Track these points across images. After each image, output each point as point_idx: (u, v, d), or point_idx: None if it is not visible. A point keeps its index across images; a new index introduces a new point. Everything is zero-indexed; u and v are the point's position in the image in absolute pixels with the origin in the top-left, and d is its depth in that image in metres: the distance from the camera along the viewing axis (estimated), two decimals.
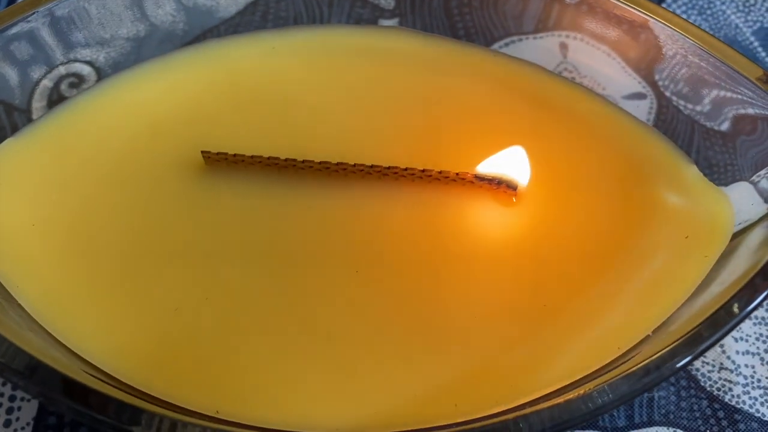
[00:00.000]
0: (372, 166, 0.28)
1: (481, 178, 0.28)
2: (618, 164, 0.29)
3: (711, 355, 0.29)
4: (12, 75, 0.30)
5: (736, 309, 0.22)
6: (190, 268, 0.27)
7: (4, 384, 0.27)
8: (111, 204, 0.28)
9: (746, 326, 0.30)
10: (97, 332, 0.25)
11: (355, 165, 0.28)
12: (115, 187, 0.28)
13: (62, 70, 0.31)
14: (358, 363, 0.25)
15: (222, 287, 0.26)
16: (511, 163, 0.28)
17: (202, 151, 0.28)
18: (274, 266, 0.27)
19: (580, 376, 0.24)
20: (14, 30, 0.29)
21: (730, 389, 0.28)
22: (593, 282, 0.27)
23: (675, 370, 0.22)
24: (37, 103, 0.31)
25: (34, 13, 0.29)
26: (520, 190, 0.28)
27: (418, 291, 0.26)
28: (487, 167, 0.28)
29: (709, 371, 0.29)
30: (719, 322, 0.22)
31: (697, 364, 0.29)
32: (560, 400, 0.21)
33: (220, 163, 0.28)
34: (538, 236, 0.28)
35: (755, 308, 0.22)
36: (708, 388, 0.28)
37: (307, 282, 0.26)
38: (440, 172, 0.28)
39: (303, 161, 0.28)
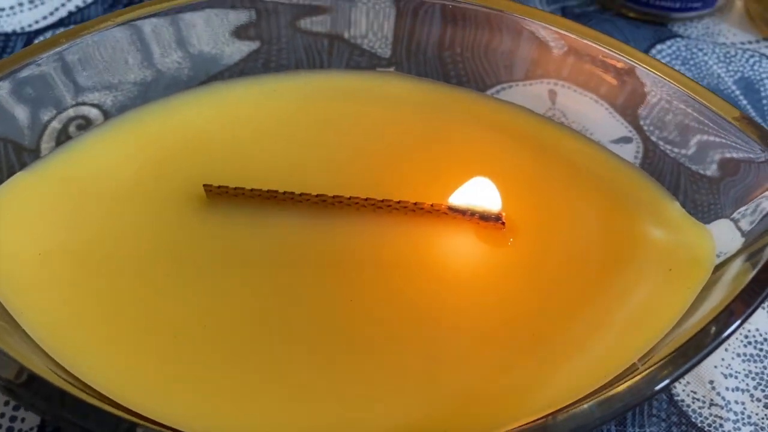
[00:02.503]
0: (366, 199, 0.29)
1: (454, 210, 0.29)
2: (603, 201, 0.31)
3: (701, 391, 0.29)
4: (22, 116, 0.31)
5: (713, 331, 0.23)
6: (190, 297, 0.27)
7: (6, 404, 0.28)
8: (115, 236, 0.29)
9: (736, 363, 0.30)
10: (98, 358, 0.26)
11: (350, 198, 0.29)
12: (120, 219, 0.29)
13: (71, 112, 0.32)
14: (351, 390, 0.26)
15: (221, 313, 0.27)
16: (481, 194, 0.29)
17: (204, 185, 0.29)
18: (272, 294, 0.28)
19: (568, 403, 0.25)
20: (26, 73, 0.30)
21: (721, 425, 0.29)
22: (580, 312, 0.27)
23: (653, 393, 0.22)
24: (46, 144, 0.32)
25: (45, 56, 0.31)
26: (505, 220, 0.29)
27: (410, 319, 0.27)
28: (459, 199, 0.30)
29: (699, 407, 0.29)
30: (698, 345, 0.23)
31: (688, 400, 0.29)
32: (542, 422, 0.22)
33: (222, 196, 0.29)
34: (526, 268, 0.29)
35: (733, 332, 0.23)
36: (699, 424, 0.29)
37: (302, 309, 0.27)
38: (432, 205, 0.29)
39: (300, 194, 0.29)
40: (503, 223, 0.29)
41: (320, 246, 0.29)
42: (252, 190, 0.29)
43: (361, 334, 0.27)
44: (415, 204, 0.29)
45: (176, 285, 0.28)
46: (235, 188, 0.29)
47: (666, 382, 0.22)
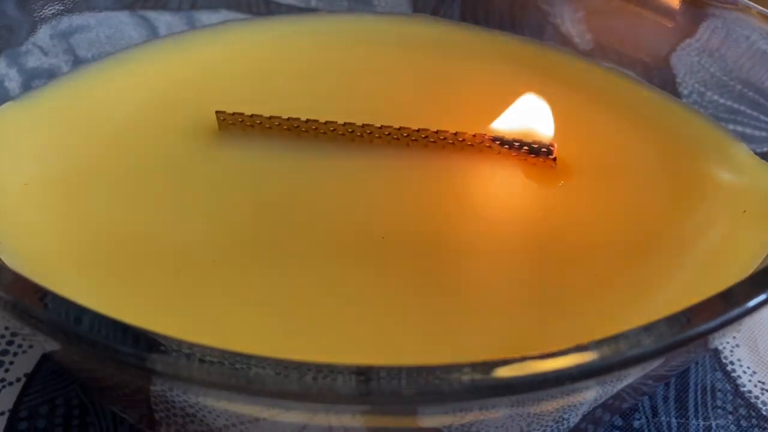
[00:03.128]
0: (400, 128, 0.25)
1: (500, 141, 0.26)
2: (662, 143, 0.27)
3: None
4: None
5: None
6: (196, 234, 0.24)
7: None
8: (113, 168, 0.25)
9: None
10: (91, 294, 0.22)
11: (381, 127, 0.25)
12: (119, 151, 0.26)
13: None
14: (386, 330, 0.22)
15: (231, 253, 0.23)
16: (530, 117, 0.26)
17: (217, 112, 0.26)
18: (291, 233, 0.24)
19: None
20: None
21: None
22: (646, 255, 0.24)
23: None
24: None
25: None
26: (556, 153, 0.26)
27: (453, 263, 0.24)
28: (504, 124, 0.26)
29: None
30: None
31: (756, 391, 0.26)
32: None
33: (236, 126, 0.26)
34: (582, 210, 0.25)
35: None
36: None
37: (330, 249, 0.24)
38: (474, 136, 0.25)
39: (326, 122, 0.26)
40: (554, 159, 0.26)
41: (347, 183, 0.25)
42: (271, 117, 0.26)
43: (396, 273, 0.23)
44: (456, 134, 0.25)
45: (179, 221, 0.24)
46: (252, 115, 0.26)
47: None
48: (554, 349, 0.17)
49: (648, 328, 0.18)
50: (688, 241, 0.25)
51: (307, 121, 0.26)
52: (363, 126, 0.26)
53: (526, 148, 0.26)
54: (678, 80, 0.31)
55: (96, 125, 0.27)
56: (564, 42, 0.33)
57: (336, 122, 0.26)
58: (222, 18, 0.32)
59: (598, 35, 0.32)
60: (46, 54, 0.29)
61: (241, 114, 0.26)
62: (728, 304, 0.18)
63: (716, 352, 0.27)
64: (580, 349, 0.17)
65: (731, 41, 0.30)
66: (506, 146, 0.26)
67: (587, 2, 0.33)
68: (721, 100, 0.30)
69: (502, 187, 0.26)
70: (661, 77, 0.31)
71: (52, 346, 0.20)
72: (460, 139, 0.26)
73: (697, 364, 0.27)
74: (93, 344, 0.17)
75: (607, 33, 0.33)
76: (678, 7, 0.32)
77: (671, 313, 0.18)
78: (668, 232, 0.25)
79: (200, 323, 0.22)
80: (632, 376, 0.19)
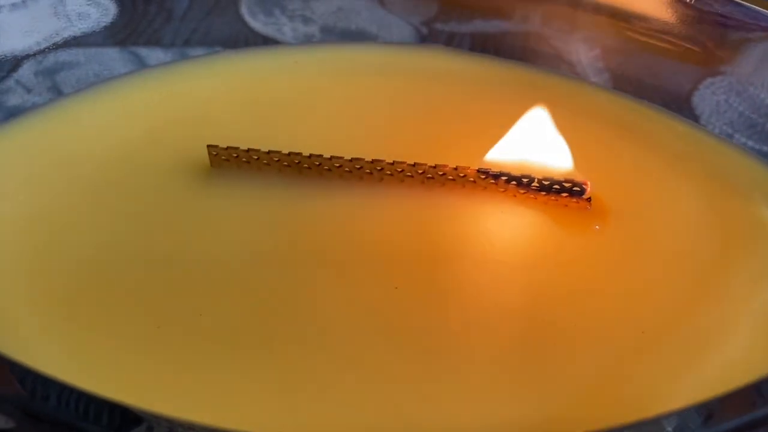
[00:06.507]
0: (414, 165, 0.23)
1: (526, 184, 0.23)
2: (708, 183, 0.25)
3: None
4: None
5: None
6: (178, 281, 0.21)
7: None
8: (91, 208, 0.22)
9: None
10: (65, 352, 0.19)
11: (393, 163, 0.22)
12: (98, 190, 0.23)
13: None
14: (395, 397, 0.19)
15: (223, 300, 0.20)
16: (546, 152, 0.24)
17: (208, 146, 0.23)
18: (287, 282, 0.21)
19: None
20: None
21: None
22: (697, 307, 0.21)
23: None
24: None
25: None
26: (590, 192, 0.23)
27: (472, 314, 0.21)
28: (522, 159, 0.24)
29: None
30: None
31: None
32: None
33: (229, 163, 0.23)
34: (622, 259, 0.22)
35: None
36: None
37: (330, 297, 0.21)
38: (498, 175, 0.23)
39: (330, 158, 0.23)
40: (589, 200, 0.23)
41: (354, 227, 0.22)
42: (269, 152, 0.23)
43: (407, 327, 0.20)
44: (479, 171, 0.23)
45: (161, 266, 0.21)
46: (248, 150, 0.23)
47: None
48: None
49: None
50: (743, 293, 0.22)
51: (310, 156, 0.23)
52: (373, 162, 0.23)
53: (556, 187, 0.23)
54: (702, 122, 0.28)
55: (75, 160, 0.24)
56: (580, 79, 0.30)
57: (342, 158, 0.23)
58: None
59: (616, 73, 0.30)
60: (29, 92, 0.27)
61: (236, 149, 0.23)
62: None
63: None
64: None
65: (763, 74, 0.28)
66: (534, 186, 0.23)
67: (603, 40, 0.31)
68: (751, 142, 0.28)
69: (530, 230, 0.23)
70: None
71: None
72: (482, 176, 0.23)
73: None
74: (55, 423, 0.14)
75: (625, 71, 0.30)
76: (701, 40, 0.29)
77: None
78: (720, 282, 0.22)
79: (182, 387, 0.18)
80: None
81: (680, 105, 0.29)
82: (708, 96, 0.29)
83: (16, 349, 0.17)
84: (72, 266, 0.21)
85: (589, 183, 0.23)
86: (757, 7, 0.29)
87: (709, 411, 0.15)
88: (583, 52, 0.31)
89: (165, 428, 0.14)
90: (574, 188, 0.23)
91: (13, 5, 0.27)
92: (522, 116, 0.25)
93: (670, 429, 0.15)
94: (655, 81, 0.30)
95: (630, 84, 0.30)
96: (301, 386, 0.19)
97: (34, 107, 0.26)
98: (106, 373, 0.19)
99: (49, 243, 0.22)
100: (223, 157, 0.23)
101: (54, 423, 0.14)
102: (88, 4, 0.28)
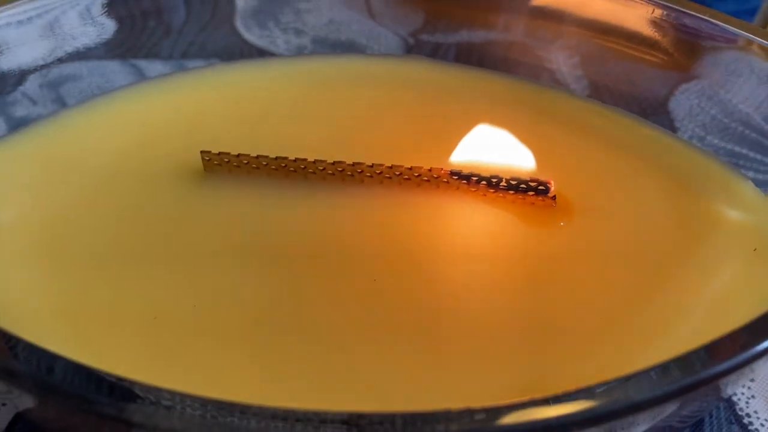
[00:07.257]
0: (392, 167, 0.24)
1: (495, 184, 0.25)
2: (665, 181, 0.26)
3: None
4: None
5: None
6: (174, 275, 0.23)
7: None
8: (92, 212, 0.24)
9: None
10: (67, 344, 0.21)
11: (372, 165, 0.24)
12: (98, 195, 0.25)
13: None
14: (378, 375, 0.21)
15: (216, 293, 0.22)
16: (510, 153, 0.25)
17: (202, 152, 0.25)
18: (276, 280, 0.23)
19: None
20: None
21: None
22: (655, 297, 0.23)
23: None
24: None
25: None
26: (554, 191, 0.25)
27: (450, 306, 0.22)
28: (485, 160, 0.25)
29: None
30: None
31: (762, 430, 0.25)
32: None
33: (221, 167, 0.25)
34: (587, 252, 0.24)
35: None
36: None
37: (317, 291, 0.22)
38: (470, 175, 0.24)
39: (315, 161, 0.24)
40: (554, 198, 0.24)
41: (338, 225, 0.24)
42: (258, 157, 0.25)
43: (388, 319, 0.22)
44: (451, 173, 0.24)
45: (161, 264, 0.23)
46: (239, 155, 0.25)
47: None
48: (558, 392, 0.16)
49: (658, 370, 0.16)
50: (698, 282, 0.23)
51: (296, 160, 0.25)
52: (354, 165, 0.24)
53: (523, 186, 0.24)
54: (676, 125, 0.30)
55: (79, 167, 0.26)
56: (560, 86, 0.32)
57: (325, 161, 0.25)
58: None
59: (594, 81, 0.32)
60: (34, 103, 0.29)
61: (227, 153, 0.25)
62: (739, 346, 0.17)
63: (731, 404, 0.26)
64: (585, 392, 0.16)
65: (732, 81, 0.29)
66: (502, 185, 0.25)
67: (581, 48, 0.32)
68: (722, 143, 0.29)
69: (500, 227, 0.25)
70: (659, 123, 0.30)
71: (24, 403, 0.19)
72: (454, 177, 0.24)
73: (711, 416, 0.26)
74: (67, 394, 0.16)
75: (603, 79, 0.32)
76: (674, 50, 0.31)
77: (681, 354, 0.17)
78: (676, 273, 0.24)
79: (180, 371, 0.20)
80: (642, 424, 0.18)
81: (657, 110, 0.31)
82: (683, 101, 0.31)
83: None
84: (74, 266, 0.23)
85: (552, 182, 0.24)
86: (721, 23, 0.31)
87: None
88: (563, 60, 0.33)
89: (152, 398, 0.16)
90: (539, 187, 0.24)
91: (20, 22, 0.29)
92: (495, 121, 0.27)
93: None
94: (632, 88, 0.32)
95: (609, 92, 0.32)
96: (290, 373, 0.20)
97: (39, 118, 0.28)
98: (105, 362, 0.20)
99: (56, 243, 0.23)
100: (216, 162, 0.25)
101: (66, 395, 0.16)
102: (90, 20, 0.30)
